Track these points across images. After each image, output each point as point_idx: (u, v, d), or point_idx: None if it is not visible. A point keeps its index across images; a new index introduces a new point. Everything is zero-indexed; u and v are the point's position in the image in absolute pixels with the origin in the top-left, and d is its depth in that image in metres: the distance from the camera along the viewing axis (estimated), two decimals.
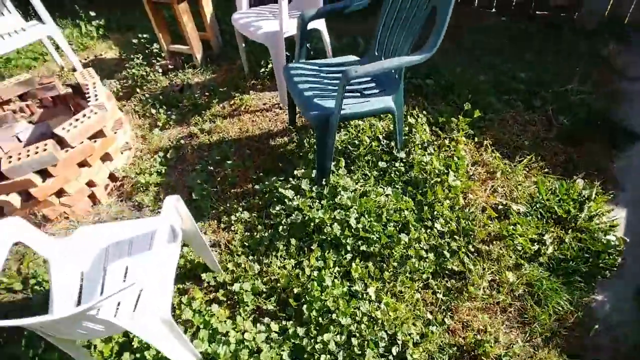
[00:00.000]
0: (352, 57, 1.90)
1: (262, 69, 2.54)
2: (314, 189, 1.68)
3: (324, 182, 1.69)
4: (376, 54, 1.81)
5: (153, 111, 2.35)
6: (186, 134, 2.25)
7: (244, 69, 2.62)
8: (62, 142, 1.70)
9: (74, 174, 1.74)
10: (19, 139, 2.17)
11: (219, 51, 2.93)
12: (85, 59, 3.12)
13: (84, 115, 1.76)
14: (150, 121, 2.35)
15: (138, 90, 2.62)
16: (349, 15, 1.80)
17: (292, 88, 1.70)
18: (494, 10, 3.09)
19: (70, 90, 2.15)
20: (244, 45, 2.47)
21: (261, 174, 1.88)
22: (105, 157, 1.89)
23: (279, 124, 2.23)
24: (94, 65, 3.01)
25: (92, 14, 3.37)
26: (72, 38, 3.28)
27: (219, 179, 1.93)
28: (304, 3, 2.31)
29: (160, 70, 2.77)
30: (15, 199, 1.68)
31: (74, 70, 2.71)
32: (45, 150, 1.62)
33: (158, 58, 2.89)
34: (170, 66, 2.80)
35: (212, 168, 1.99)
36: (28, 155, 1.61)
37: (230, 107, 2.39)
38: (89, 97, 1.86)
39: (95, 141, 1.81)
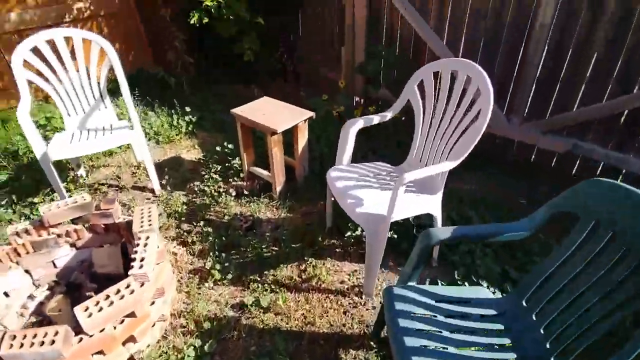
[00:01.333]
0: (486, 292, 1.34)
1: (349, 232, 2.08)
2: None
3: None
4: (524, 305, 1.23)
5: (208, 264, 1.94)
6: (238, 302, 1.79)
7: (325, 221, 2.19)
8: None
9: None
10: (54, 265, 1.88)
11: (302, 182, 2.57)
12: (165, 156, 2.95)
13: (117, 292, 1.37)
14: (203, 270, 1.95)
15: (202, 219, 2.28)
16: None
17: (394, 335, 1.16)
18: None
19: (125, 221, 1.85)
20: (333, 198, 2.05)
21: None
22: (129, 339, 1.46)
23: (355, 323, 1.68)
24: (171, 165, 2.81)
25: (187, 109, 3.30)
26: (161, 128, 3.18)
27: None
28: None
29: (233, 193, 2.46)
30: None
31: (147, 172, 2.47)
32: (53, 342, 1.22)
33: (235, 178, 2.60)
34: (245, 191, 2.48)
35: None
36: (32, 344, 1.22)
37: (299, 274, 1.92)
38: (134, 257, 1.49)
39: (122, 321, 1.40)
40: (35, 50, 2.22)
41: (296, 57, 3.99)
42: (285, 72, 4.01)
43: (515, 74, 2.51)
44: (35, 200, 2.41)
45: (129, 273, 1.44)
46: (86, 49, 2.33)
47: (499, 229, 1.24)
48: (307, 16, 3.65)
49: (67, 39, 2.31)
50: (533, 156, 2.65)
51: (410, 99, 1.86)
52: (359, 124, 1.87)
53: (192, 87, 3.80)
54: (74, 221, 1.85)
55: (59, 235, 1.82)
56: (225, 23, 3.26)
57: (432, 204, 1.72)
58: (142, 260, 1.48)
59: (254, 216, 2.32)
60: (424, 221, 2.06)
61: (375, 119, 1.90)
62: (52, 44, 2.27)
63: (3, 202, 2.40)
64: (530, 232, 1.23)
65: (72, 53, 2.33)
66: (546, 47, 2.30)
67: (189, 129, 3.23)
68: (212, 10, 3.07)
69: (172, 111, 3.35)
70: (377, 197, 1.69)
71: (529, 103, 2.53)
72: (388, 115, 1.91)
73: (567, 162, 2.50)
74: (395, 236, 2.01)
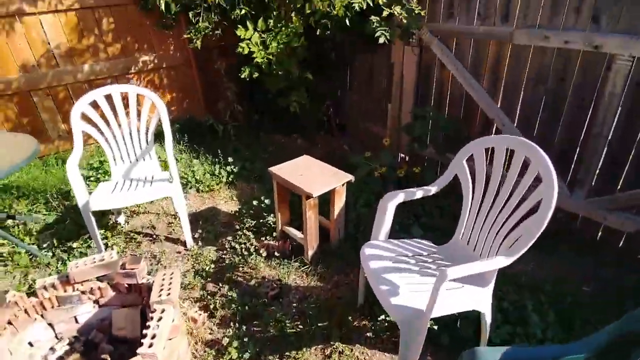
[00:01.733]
0: None
1: (383, 315, 1.86)
2: None
3: None
4: None
5: (227, 339, 1.81)
6: None
7: (357, 296, 1.99)
8: None
9: None
10: (76, 320, 1.85)
11: (336, 245, 2.41)
12: (203, 206, 2.96)
13: None
14: (220, 344, 1.81)
15: (229, 281, 2.19)
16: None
17: None
18: None
19: (147, 283, 1.79)
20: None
21: None
22: None
23: None
24: (207, 217, 2.80)
25: (230, 159, 3.33)
26: (203, 177, 3.22)
27: None
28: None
29: (264, 254, 2.35)
30: None
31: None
32: None
33: (268, 237, 2.50)
34: (276, 252, 2.36)
35: None
36: None
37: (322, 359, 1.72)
38: (146, 333, 1.40)
39: None
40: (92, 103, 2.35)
41: (342, 111, 3.98)
42: (331, 125, 4.00)
43: (580, 143, 2.27)
44: (74, 245, 2.47)
45: (137, 351, 1.34)
46: (139, 101, 2.43)
47: (555, 353, 1.00)
48: (356, 72, 3.66)
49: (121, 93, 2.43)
50: (599, 233, 2.33)
51: (458, 174, 1.69)
52: (398, 198, 1.71)
53: (239, 136, 3.88)
54: (98, 278, 1.83)
55: (83, 292, 1.79)
56: (275, 78, 3.33)
57: (480, 299, 1.49)
58: (153, 337, 1.38)
59: (282, 281, 2.18)
60: (469, 311, 1.80)
61: (418, 193, 1.73)
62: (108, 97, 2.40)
63: (45, 245, 2.48)
64: (588, 356, 0.98)
65: (126, 105, 2.44)
66: (617, 117, 2.06)
67: (230, 179, 3.23)
68: (263, 66, 3.16)
69: (216, 160, 3.41)
70: (415, 285, 1.50)
71: (595, 176, 2.25)
72: (432, 189, 1.74)
73: (636, 240, 2.17)
74: (435, 327, 1.76)
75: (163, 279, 1.66)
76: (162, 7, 2.91)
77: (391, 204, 1.70)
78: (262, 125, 4.09)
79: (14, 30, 3.13)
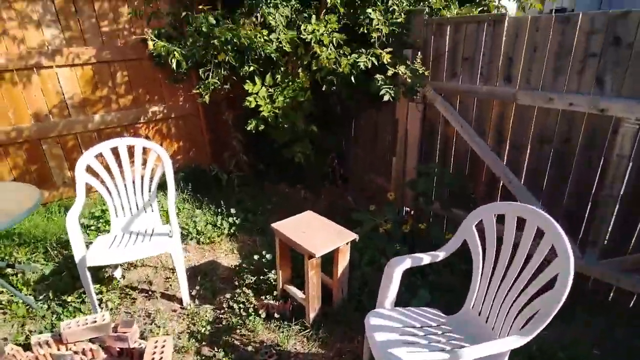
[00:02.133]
0: None
1: None
2: None
3: None
4: None
5: None
6: None
7: None
8: None
9: None
10: None
11: (340, 306, 2.29)
12: (203, 259, 2.88)
13: None
14: None
15: (224, 345, 2.06)
16: None
17: None
18: None
19: (139, 348, 1.69)
20: None
21: None
22: None
23: None
24: (206, 271, 2.71)
25: (232, 210, 3.30)
26: (204, 228, 3.17)
27: None
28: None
29: (263, 315, 2.24)
30: None
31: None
32: None
33: (268, 296, 2.40)
34: (276, 314, 2.25)
35: None
36: None
37: None
38: None
39: None
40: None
41: (347, 165, 3.99)
42: (335, 176, 3.99)
43: (590, 202, 2.21)
44: (69, 299, 2.37)
45: None
46: (145, 151, 2.45)
47: None
48: (361, 127, 3.71)
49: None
50: (612, 294, 2.23)
51: (467, 240, 1.63)
52: (405, 264, 1.64)
53: (244, 186, 3.87)
54: (91, 339, 1.74)
55: (75, 352, 1.71)
56: (281, 131, 3.38)
57: None
58: None
59: (280, 347, 2.05)
60: None
61: (426, 259, 1.66)
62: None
63: (41, 297, 2.41)
64: None
65: (131, 154, 2.44)
66: (627, 175, 2.03)
67: (231, 230, 3.17)
68: (269, 119, 3.21)
69: (218, 210, 3.37)
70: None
71: (607, 237, 2.18)
72: (440, 255, 1.67)
73: None
74: None
75: (155, 347, 1.57)
76: (174, 65, 3.01)
77: (398, 270, 1.62)
78: (267, 175, 4.09)
79: (31, 82, 3.24)
